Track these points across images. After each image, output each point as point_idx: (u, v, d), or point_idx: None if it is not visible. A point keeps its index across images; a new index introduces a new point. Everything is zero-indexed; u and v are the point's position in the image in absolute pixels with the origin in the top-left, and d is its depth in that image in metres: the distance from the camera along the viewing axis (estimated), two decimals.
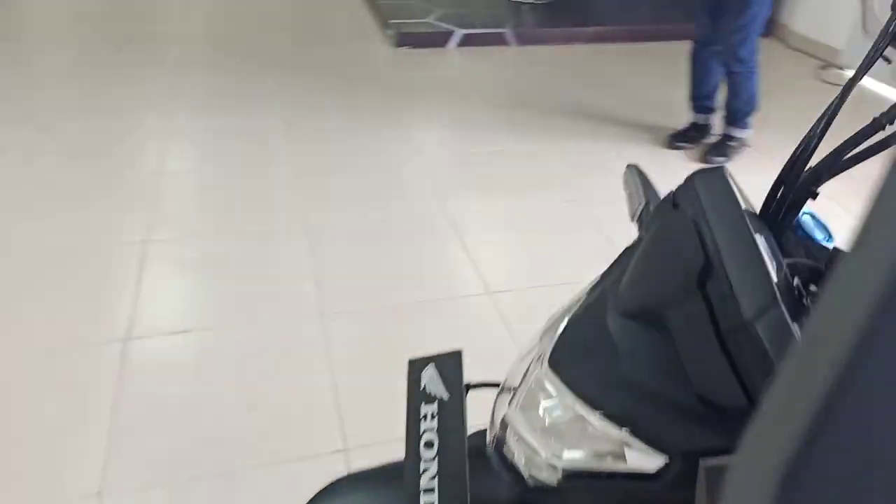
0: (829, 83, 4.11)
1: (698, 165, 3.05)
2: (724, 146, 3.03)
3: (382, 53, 4.24)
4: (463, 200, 2.67)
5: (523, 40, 4.41)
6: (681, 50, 4.52)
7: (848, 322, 0.26)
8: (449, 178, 2.83)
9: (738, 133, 3.03)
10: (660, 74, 4.09)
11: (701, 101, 3.12)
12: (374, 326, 1.99)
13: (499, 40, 4.37)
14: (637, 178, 0.81)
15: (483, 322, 2.03)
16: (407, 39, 4.27)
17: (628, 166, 0.85)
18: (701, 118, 3.16)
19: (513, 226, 2.55)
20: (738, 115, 3.00)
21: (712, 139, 3.14)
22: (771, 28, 4.52)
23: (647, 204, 0.76)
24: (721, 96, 3.08)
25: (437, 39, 4.31)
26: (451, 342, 1.92)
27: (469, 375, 0.79)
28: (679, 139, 3.14)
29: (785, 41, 4.68)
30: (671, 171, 3.00)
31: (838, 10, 4.23)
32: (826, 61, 4.33)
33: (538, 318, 2.27)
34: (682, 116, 3.24)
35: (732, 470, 0.31)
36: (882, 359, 0.26)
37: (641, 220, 0.75)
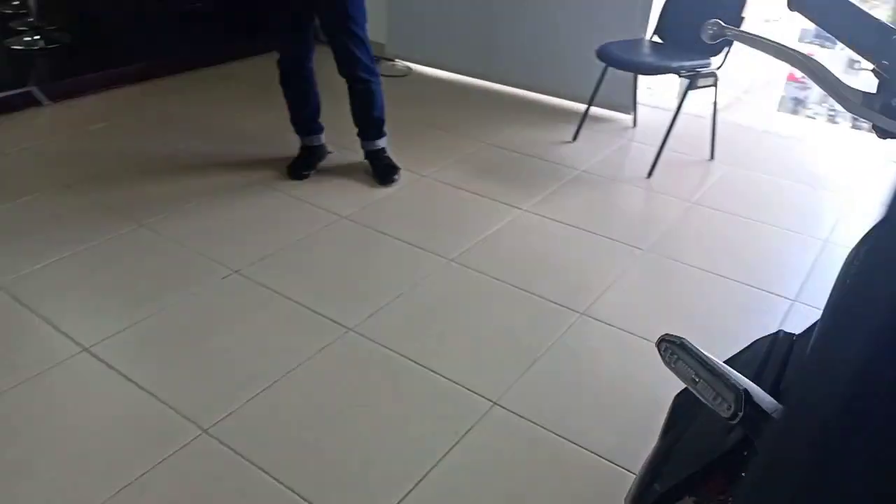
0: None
1: (381, 190, 2.85)
2: (390, 163, 2.92)
3: None
4: (96, 329, 2.02)
5: (58, 95, 3.59)
6: (234, 71, 4.29)
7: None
8: (63, 302, 2.13)
9: (385, 143, 2.94)
10: (233, 102, 3.80)
11: (308, 123, 2.95)
12: None
13: (27, 102, 3.47)
14: (692, 358, 0.59)
15: (216, 467, 1.57)
16: None
17: (664, 343, 0.62)
18: (314, 140, 2.99)
19: (186, 331, 2.04)
20: (380, 126, 2.89)
21: (357, 158, 3.00)
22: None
23: (748, 396, 0.56)
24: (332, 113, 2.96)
25: None
26: None
27: None
28: (302, 168, 2.94)
29: None
30: (328, 206, 2.76)
31: (371, 7, 4.49)
32: (377, 56, 4.59)
33: (272, 437, 1.86)
34: (288, 142, 3.04)
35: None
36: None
37: (749, 419, 0.55)
